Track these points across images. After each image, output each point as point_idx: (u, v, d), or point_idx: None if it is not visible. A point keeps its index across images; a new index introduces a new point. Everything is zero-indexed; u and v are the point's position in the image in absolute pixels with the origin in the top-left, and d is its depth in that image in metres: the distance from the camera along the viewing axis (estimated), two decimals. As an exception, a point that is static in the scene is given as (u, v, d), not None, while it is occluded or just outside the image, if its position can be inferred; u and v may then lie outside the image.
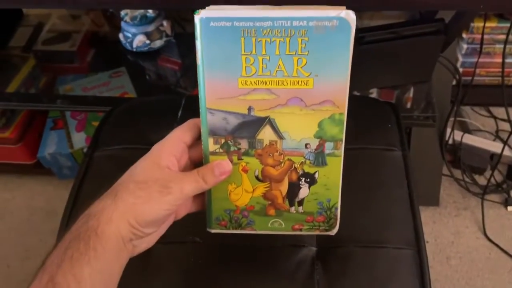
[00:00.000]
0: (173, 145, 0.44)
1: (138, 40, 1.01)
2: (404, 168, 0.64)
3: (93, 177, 0.67)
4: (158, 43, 1.03)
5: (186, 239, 0.57)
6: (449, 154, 1.19)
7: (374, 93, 0.94)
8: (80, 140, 1.16)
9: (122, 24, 1.01)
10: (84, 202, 0.64)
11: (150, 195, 0.40)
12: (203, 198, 0.47)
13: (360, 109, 0.72)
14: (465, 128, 1.26)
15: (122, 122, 0.74)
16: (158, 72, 1.04)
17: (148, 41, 1.01)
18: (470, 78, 1.13)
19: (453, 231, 1.11)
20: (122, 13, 0.99)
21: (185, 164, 0.45)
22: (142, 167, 0.43)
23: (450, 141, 1.18)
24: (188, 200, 0.46)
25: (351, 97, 0.41)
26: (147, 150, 0.68)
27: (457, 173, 1.18)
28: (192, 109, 0.73)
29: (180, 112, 0.72)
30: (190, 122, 0.46)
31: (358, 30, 0.81)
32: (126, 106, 0.77)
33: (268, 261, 0.55)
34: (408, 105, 0.91)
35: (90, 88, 1.02)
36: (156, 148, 0.44)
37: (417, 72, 0.87)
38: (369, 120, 0.70)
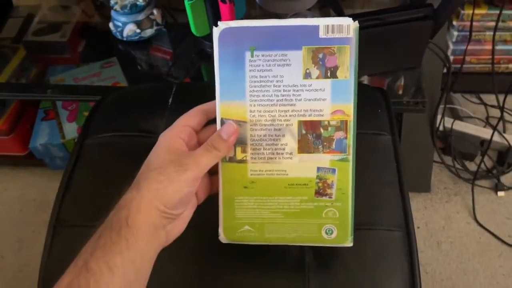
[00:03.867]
0: (179, 129, 0.46)
1: (128, 29, 1.00)
2: (393, 152, 0.65)
3: (84, 165, 0.66)
4: (148, 32, 1.02)
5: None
6: (440, 141, 1.20)
7: (365, 81, 0.94)
8: (71, 130, 1.15)
9: (112, 13, 1.01)
10: (75, 191, 0.65)
11: (170, 177, 0.42)
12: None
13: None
14: (456, 115, 1.27)
15: (113, 110, 0.74)
16: (150, 61, 1.03)
17: (138, 30, 1.00)
18: (460, 65, 1.13)
19: (444, 216, 1.12)
20: (112, 1, 0.98)
21: (195, 147, 0.46)
22: (155, 155, 0.44)
23: (441, 128, 1.19)
24: (206, 181, 0.48)
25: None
26: (138, 137, 0.69)
27: (448, 159, 1.19)
28: (182, 96, 0.73)
29: (170, 100, 0.72)
30: (194, 109, 0.47)
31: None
32: (116, 95, 0.77)
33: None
34: (400, 92, 0.91)
35: (81, 79, 1.01)
36: (163, 135, 0.46)
37: (407, 58, 0.87)
38: (360, 105, 0.70)
